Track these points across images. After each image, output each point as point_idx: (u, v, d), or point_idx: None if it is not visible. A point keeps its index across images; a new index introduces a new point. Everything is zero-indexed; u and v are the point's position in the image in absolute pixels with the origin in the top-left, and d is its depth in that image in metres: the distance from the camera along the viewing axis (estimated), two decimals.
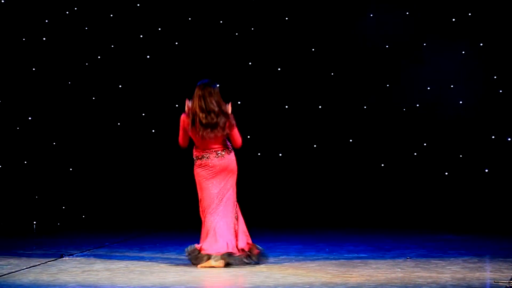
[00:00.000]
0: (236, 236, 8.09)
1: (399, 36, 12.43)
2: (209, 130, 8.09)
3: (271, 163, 12.68)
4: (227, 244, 7.95)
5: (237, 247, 8.03)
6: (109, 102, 12.73)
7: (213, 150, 8.18)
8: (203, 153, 8.20)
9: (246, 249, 8.08)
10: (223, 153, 8.19)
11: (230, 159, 8.22)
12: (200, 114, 8.09)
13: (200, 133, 8.09)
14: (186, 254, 8.07)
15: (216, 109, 8.10)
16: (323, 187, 12.53)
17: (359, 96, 12.53)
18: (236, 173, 8.29)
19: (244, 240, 8.14)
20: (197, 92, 8.19)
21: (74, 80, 12.70)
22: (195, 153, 8.29)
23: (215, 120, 8.09)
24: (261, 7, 12.60)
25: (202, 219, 8.19)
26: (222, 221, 8.06)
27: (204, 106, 8.10)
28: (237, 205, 8.27)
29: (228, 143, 8.27)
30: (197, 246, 8.03)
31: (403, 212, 12.37)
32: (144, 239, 10.71)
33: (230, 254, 7.91)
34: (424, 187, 12.40)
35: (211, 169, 8.17)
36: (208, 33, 12.64)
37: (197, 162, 8.25)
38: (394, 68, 12.46)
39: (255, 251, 8.12)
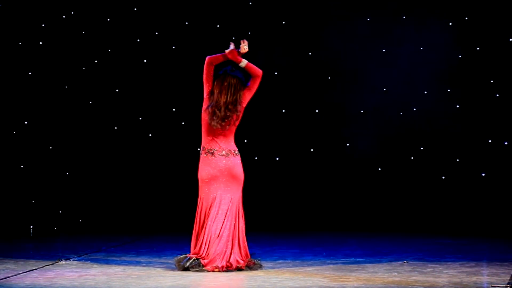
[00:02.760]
0: (232, 248, 8.00)
1: (394, 40, 12.46)
2: (220, 121, 8.04)
3: (268, 167, 12.69)
4: (221, 260, 7.88)
5: (229, 259, 7.93)
6: (106, 106, 12.72)
7: (220, 144, 8.09)
8: (211, 145, 8.05)
9: (241, 264, 7.98)
10: (229, 153, 8.11)
11: (235, 163, 8.10)
12: (221, 107, 8.01)
13: (210, 121, 8.04)
14: (176, 263, 8.00)
15: (234, 105, 8.04)
16: (321, 191, 12.54)
17: (356, 100, 12.54)
18: (242, 180, 8.12)
19: (238, 254, 8.03)
20: (224, 80, 8.10)
21: (71, 84, 12.70)
22: (203, 143, 8.10)
23: (229, 114, 8.03)
24: (258, 11, 12.61)
25: (196, 220, 8.11)
26: (219, 230, 7.97)
27: (226, 99, 8.03)
28: (240, 215, 8.14)
29: (235, 146, 8.15)
30: (189, 255, 7.98)
31: (400, 216, 12.38)
32: (141, 243, 10.70)
33: (222, 269, 7.87)
34: (421, 191, 12.41)
35: (214, 168, 8.10)
36: (205, 37, 12.65)
37: (202, 156, 8.10)
38: (390, 72, 12.47)
39: (251, 263, 8.04)
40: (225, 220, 7.99)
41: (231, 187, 8.05)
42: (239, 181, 8.10)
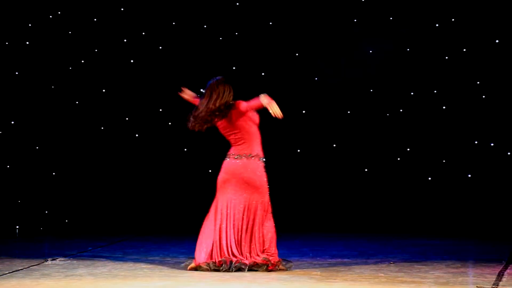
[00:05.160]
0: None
1: (384, 42, 12.47)
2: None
3: None
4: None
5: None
6: (92, 106, 12.69)
7: (236, 149, 8.20)
8: (235, 152, 8.21)
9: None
10: (243, 157, 8.19)
11: (249, 167, 8.19)
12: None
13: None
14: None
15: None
16: (307, 192, 12.54)
17: (343, 101, 12.54)
18: (259, 187, 8.33)
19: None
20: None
21: (58, 84, 12.66)
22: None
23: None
24: (245, 12, 12.61)
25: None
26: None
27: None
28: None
29: (257, 149, 8.29)
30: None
31: (387, 217, 12.39)
32: (127, 243, 10.68)
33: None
34: (407, 192, 12.42)
35: (224, 173, 8.17)
36: (192, 37, 12.64)
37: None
38: (377, 72, 12.48)
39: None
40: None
41: (241, 194, 8.38)
42: (251, 185, 8.37)
